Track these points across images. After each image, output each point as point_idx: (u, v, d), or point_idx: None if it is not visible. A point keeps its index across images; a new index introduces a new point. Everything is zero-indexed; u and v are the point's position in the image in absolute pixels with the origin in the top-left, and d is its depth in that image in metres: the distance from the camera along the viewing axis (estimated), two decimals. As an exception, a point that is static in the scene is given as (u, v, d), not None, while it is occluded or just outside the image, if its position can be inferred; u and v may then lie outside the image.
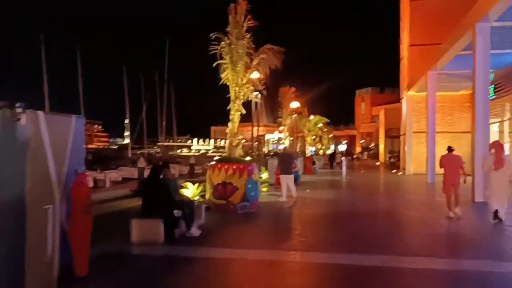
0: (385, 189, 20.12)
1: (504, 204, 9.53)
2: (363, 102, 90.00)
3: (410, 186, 20.75)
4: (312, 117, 37.69)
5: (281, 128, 31.62)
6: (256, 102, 16.90)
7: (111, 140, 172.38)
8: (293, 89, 21.61)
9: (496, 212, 9.51)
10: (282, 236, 8.25)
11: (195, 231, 7.80)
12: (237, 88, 11.39)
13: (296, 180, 20.86)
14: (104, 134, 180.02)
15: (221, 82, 11.54)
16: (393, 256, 6.55)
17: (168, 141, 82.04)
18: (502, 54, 17.88)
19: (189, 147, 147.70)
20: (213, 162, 11.59)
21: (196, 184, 11.57)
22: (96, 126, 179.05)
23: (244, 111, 11.61)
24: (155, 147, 72.58)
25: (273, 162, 20.11)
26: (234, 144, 11.45)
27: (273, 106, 24.05)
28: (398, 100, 45.56)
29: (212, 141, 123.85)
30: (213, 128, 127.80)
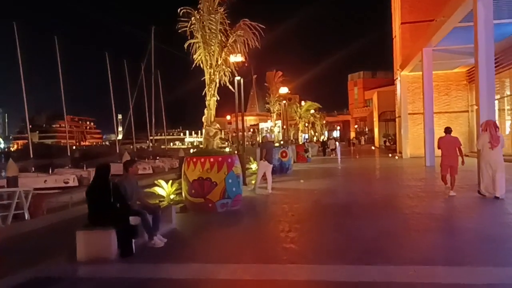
0: (383, 175, 18.84)
1: (502, 181, 9.73)
2: (355, 87, 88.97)
3: (409, 170, 19.51)
4: (303, 103, 36.29)
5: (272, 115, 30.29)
6: (239, 88, 15.47)
7: (104, 137, 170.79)
8: (280, 73, 20.17)
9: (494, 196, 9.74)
10: (265, 242, 6.89)
11: (158, 241, 6.45)
12: (211, 70, 9.94)
13: (287, 169, 19.72)
14: (96, 131, 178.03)
15: (194, 64, 10.10)
16: (400, 266, 5.23)
17: (159, 135, 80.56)
18: (501, 24, 16.59)
19: (181, 140, 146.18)
20: (189, 155, 10.22)
21: (170, 181, 10.20)
22: (88, 123, 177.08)
23: (218, 97, 10.17)
24: (147, 141, 70.95)
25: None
26: (211, 134, 10.04)
27: (265, 94, 22.75)
28: (391, 83, 44.39)
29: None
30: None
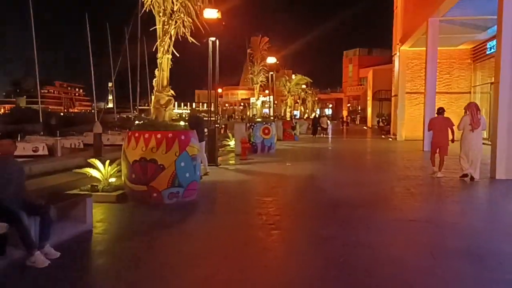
0: (379, 160, 16.58)
1: (477, 164, 9.92)
2: (350, 64, 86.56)
3: (406, 156, 17.37)
4: (294, 76, 33.81)
5: (267, 90, 27.88)
6: (213, 51, 13.11)
7: (93, 105, 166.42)
8: (265, 39, 17.69)
9: (466, 174, 10.01)
10: (208, 261, 4.71)
11: (40, 259, 4.22)
12: (165, 19, 7.56)
13: (270, 148, 17.53)
14: (85, 98, 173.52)
15: (144, 9, 7.69)
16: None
17: (147, 105, 77.79)
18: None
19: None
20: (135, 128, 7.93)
21: (108, 161, 7.92)
22: (78, 90, 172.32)
23: (176, 54, 7.81)
24: (134, 111, 68.36)
25: (241, 128, 16.57)
26: (162, 102, 7.74)
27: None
28: (387, 62, 42.00)
29: (194, 105, 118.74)
30: (197, 91, 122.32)
